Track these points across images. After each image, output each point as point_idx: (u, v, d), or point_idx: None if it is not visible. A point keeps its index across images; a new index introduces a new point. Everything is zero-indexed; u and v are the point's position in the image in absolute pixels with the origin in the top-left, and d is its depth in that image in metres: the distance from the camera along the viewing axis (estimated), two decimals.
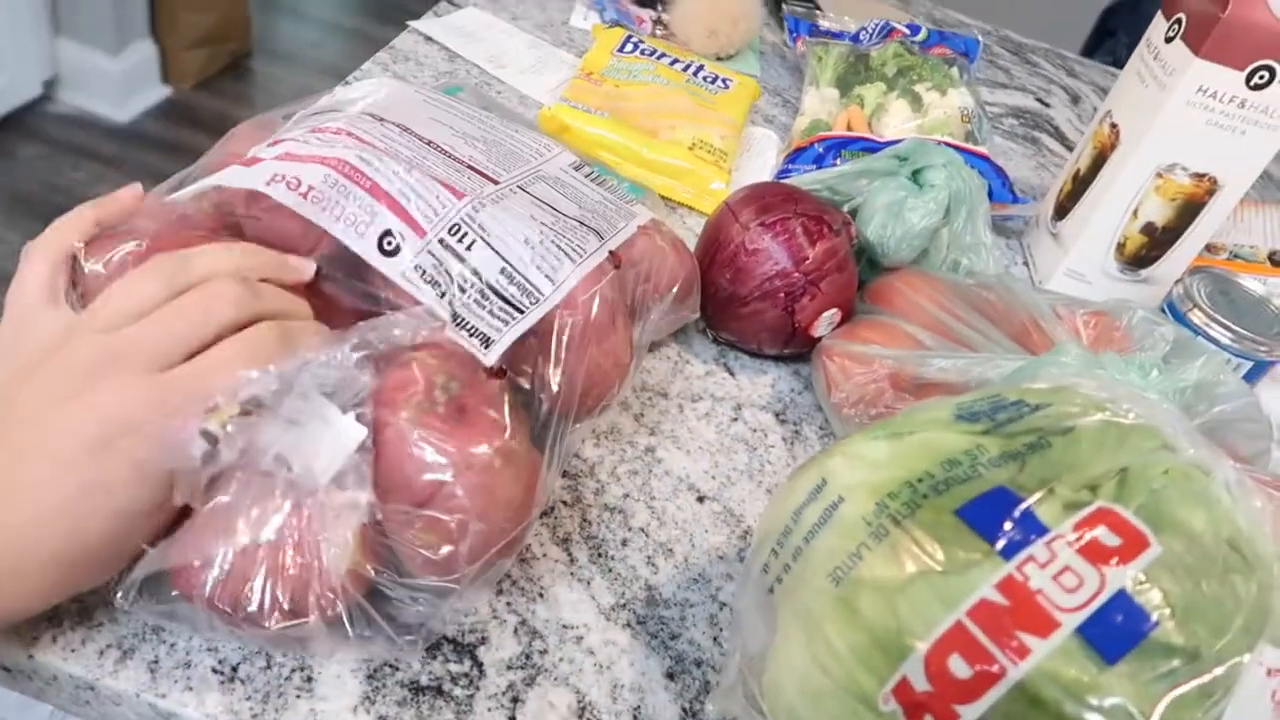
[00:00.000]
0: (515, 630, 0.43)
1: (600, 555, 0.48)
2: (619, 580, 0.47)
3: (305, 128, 0.46)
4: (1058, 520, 0.34)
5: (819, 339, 0.58)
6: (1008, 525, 0.34)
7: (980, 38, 0.95)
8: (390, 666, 0.40)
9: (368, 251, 0.42)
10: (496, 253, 0.44)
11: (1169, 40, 0.66)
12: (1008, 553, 0.33)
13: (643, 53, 0.80)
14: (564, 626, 0.44)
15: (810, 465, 0.40)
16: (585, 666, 0.43)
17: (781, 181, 0.63)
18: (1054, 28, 1.49)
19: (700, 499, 0.52)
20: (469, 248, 0.43)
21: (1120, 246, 0.71)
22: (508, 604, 0.44)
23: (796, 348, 0.59)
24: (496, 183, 0.47)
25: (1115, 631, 0.31)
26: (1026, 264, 0.79)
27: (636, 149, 0.70)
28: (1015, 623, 0.32)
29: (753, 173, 0.77)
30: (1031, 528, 0.34)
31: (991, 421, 0.38)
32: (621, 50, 0.79)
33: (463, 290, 0.43)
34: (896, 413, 0.48)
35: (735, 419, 0.57)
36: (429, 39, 0.82)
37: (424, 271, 0.42)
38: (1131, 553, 0.33)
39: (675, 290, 0.53)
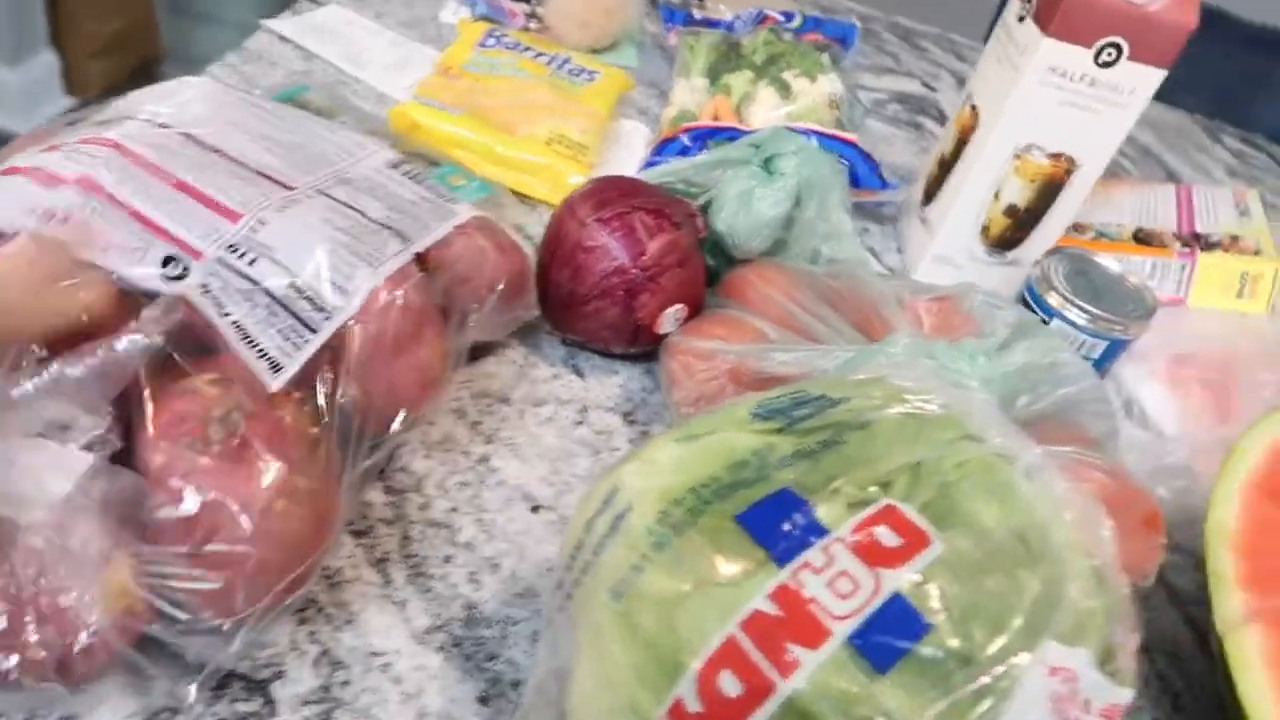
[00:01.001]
0: (316, 661, 0.41)
1: (419, 574, 0.45)
2: (437, 600, 0.45)
3: (77, 137, 0.43)
4: (839, 521, 0.32)
5: (665, 336, 0.57)
6: (786, 529, 0.32)
7: (859, 24, 0.94)
8: (170, 711, 0.38)
9: (148, 279, 0.39)
10: (283, 266, 0.41)
11: (1021, 20, 0.65)
12: (783, 559, 0.31)
13: (505, 46, 0.77)
14: (371, 654, 0.42)
15: (609, 473, 0.38)
16: (390, 696, 0.40)
17: (627, 175, 0.61)
18: (957, 15, 1.49)
19: (534, 509, 0.50)
20: (252, 264, 0.41)
21: (985, 229, 0.71)
22: (310, 633, 0.42)
23: (644, 345, 0.57)
24: (291, 189, 0.44)
25: (887, 639, 0.30)
26: (900, 250, 0.78)
27: (491, 145, 0.68)
28: (787, 634, 0.30)
29: (619, 166, 0.75)
30: (811, 530, 0.32)
31: (786, 419, 0.36)
32: (483, 45, 0.77)
33: (251, 308, 0.40)
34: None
35: (580, 422, 0.55)
36: (284, 39, 0.79)
37: (209, 291, 0.40)
38: (911, 552, 0.31)
39: (500, 290, 0.51)
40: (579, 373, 0.58)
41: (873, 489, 0.33)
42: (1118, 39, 0.61)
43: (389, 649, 0.42)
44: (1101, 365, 0.62)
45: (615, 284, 0.55)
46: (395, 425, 0.44)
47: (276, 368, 0.39)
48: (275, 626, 0.40)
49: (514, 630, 0.44)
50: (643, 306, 0.56)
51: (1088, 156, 0.66)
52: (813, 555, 0.31)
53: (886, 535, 0.32)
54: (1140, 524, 0.45)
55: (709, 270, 0.62)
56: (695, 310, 0.58)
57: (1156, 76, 0.63)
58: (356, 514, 0.47)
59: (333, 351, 0.41)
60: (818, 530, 0.32)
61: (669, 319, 0.56)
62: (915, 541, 0.32)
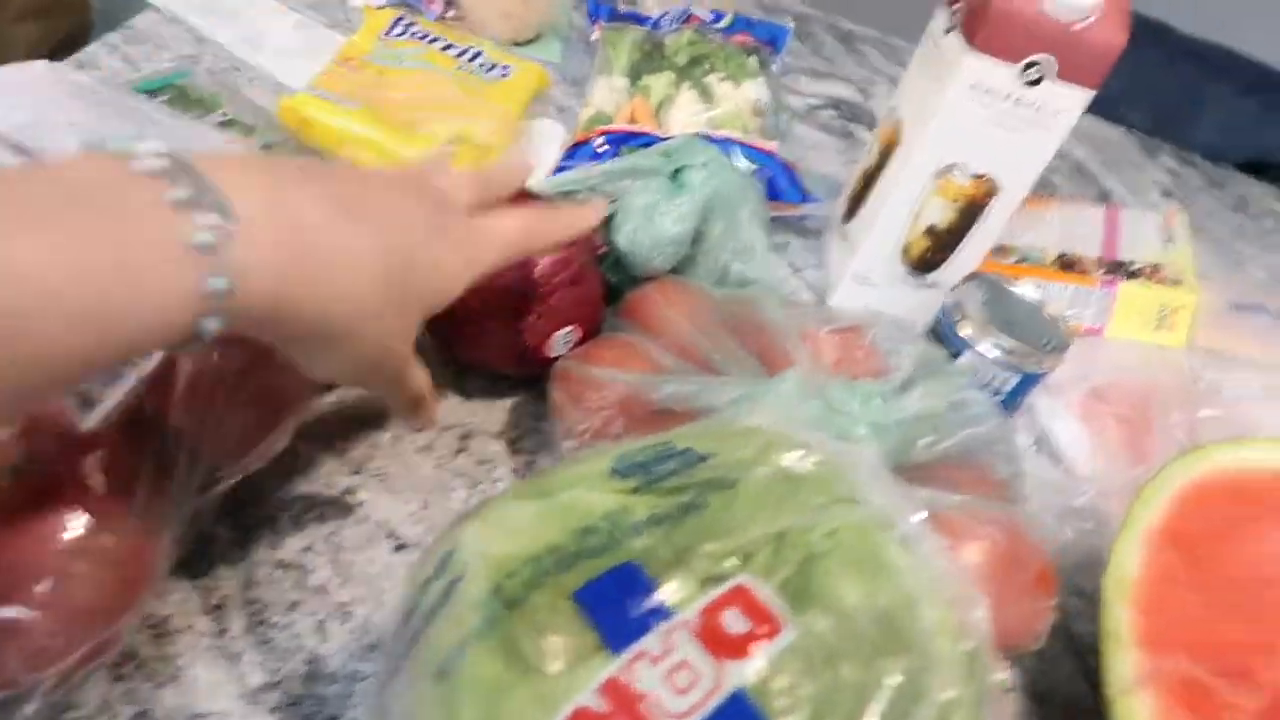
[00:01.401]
0: None
1: (260, 623, 0.41)
2: (276, 653, 0.41)
3: None
4: (686, 603, 0.29)
5: (556, 359, 0.53)
6: (626, 610, 0.29)
7: (792, 25, 0.90)
8: None
9: None
10: None
11: (947, 32, 0.62)
12: (618, 645, 0.28)
13: (414, 36, 0.73)
14: (194, 715, 0.38)
15: (450, 529, 0.34)
16: None
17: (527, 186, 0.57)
18: (900, 17, 1.46)
19: (399, 548, 0.46)
20: None
21: (905, 250, 0.68)
22: (126, 691, 0.38)
23: (533, 369, 0.54)
24: None
25: None
26: (822, 267, 0.75)
27: (388, 144, 0.64)
28: None
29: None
30: (653, 612, 0.29)
31: (645, 477, 0.33)
32: (390, 33, 0.73)
33: None
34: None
35: (461, 450, 0.52)
36: (175, 18, 0.74)
37: None
38: (760, 639, 0.28)
39: None
40: (465, 395, 0.55)
41: (730, 563, 0.30)
42: (1045, 57, 0.58)
43: (214, 710, 0.38)
44: (1014, 399, 0.60)
45: (501, 304, 0.51)
46: (238, 460, 0.40)
47: (88, 404, 0.35)
48: (78, 691, 0.36)
49: (360, 688, 0.40)
50: (530, 328, 0.52)
51: (1011, 179, 0.64)
52: (651, 642, 0.28)
53: (735, 619, 0.29)
54: (1032, 583, 0.42)
55: (611, 287, 0.59)
56: (590, 332, 0.55)
57: (1084, 97, 0.60)
58: (194, 554, 0.43)
59: (157, 384, 0.37)
60: (660, 612, 0.29)
61: (559, 341, 0.53)
62: (766, 626, 0.29)
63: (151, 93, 0.56)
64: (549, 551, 0.31)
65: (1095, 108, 1.25)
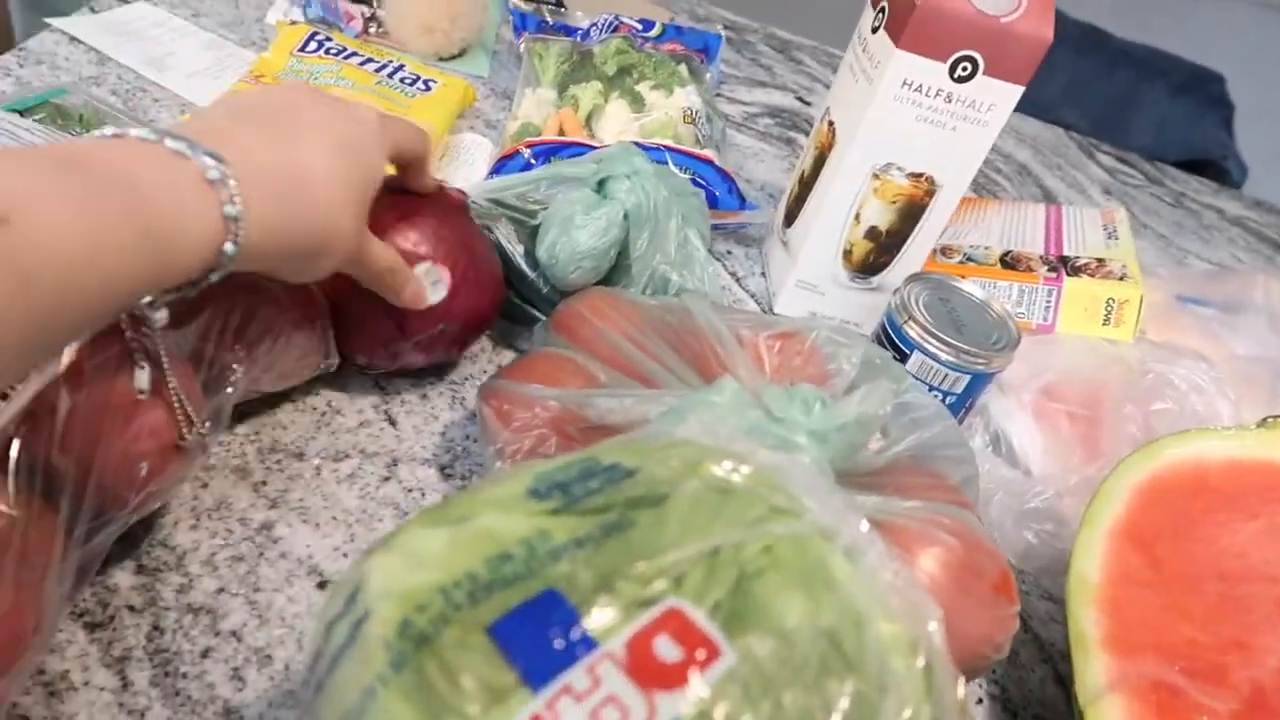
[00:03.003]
0: None
1: (167, 674, 0.38)
2: (187, 706, 0.37)
3: None
4: (613, 631, 0.26)
5: (437, 308, 0.49)
6: (546, 642, 0.26)
7: (724, 33, 0.89)
8: None
9: None
10: None
11: (875, 31, 0.61)
12: (538, 682, 0.25)
13: (328, 52, 0.70)
14: None
15: (358, 562, 0.31)
16: None
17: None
18: (837, 26, 1.47)
19: (321, 584, 0.43)
20: None
21: (847, 253, 0.66)
22: None
23: (422, 333, 0.49)
24: None
25: None
26: (764, 274, 0.73)
27: None
28: None
29: (459, 183, 0.69)
30: (576, 644, 0.26)
31: (565, 497, 0.31)
32: (304, 49, 0.70)
33: None
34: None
35: (388, 478, 0.49)
36: (75, 39, 0.70)
37: None
38: (695, 667, 0.26)
39: (278, 336, 0.44)
40: (392, 420, 0.52)
41: (660, 585, 0.28)
42: (973, 52, 0.57)
43: None
44: (966, 399, 0.59)
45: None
46: (129, 501, 0.37)
47: None
48: None
49: None
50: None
51: (949, 176, 0.63)
52: (575, 676, 0.25)
53: (667, 647, 0.26)
54: (990, 590, 0.40)
55: (543, 296, 0.57)
56: (470, 274, 0.50)
57: (1014, 92, 0.59)
58: (94, 603, 0.39)
59: (33, 419, 0.33)
60: (584, 643, 0.26)
61: (425, 285, 0.48)
62: (701, 653, 0.26)
63: (24, 111, 0.53)
64: (461, 582, 0.28)
65: (1035, 111, 1.26)
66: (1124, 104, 1.62)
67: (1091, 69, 1.64)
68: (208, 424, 0.39)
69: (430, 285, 0.49)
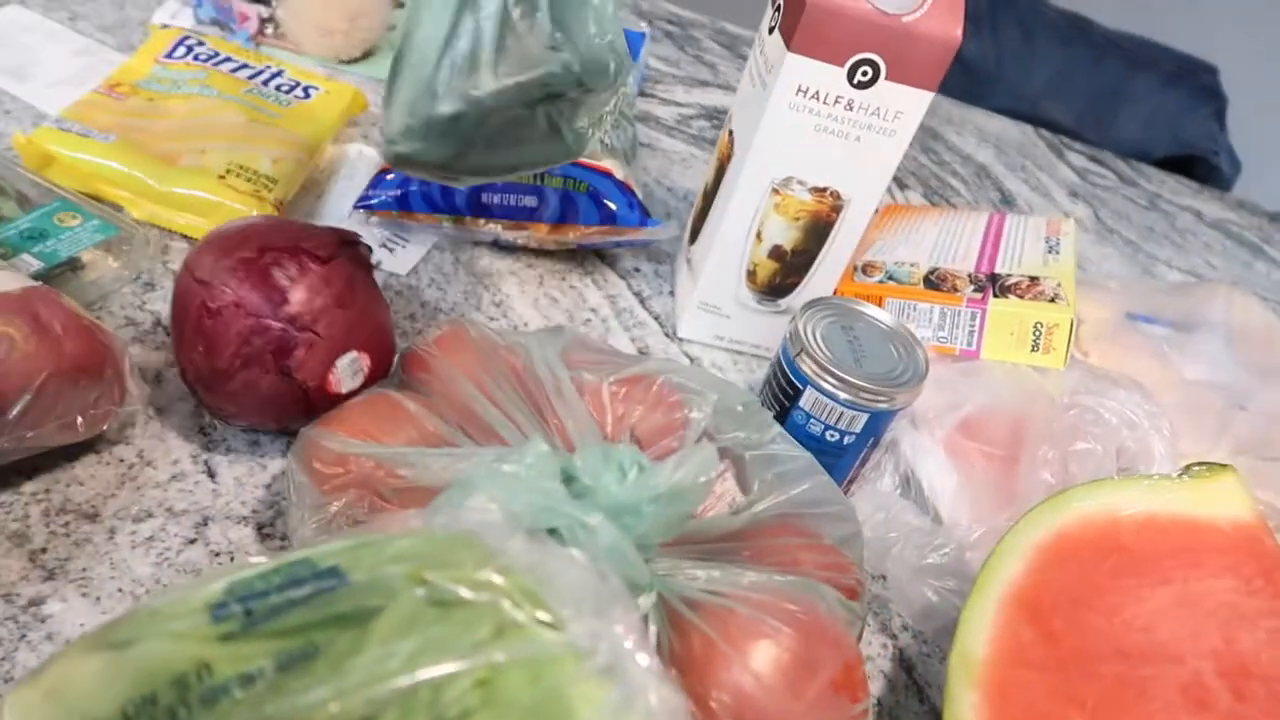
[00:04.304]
0: None
1: None
2: None
3: None
4: None
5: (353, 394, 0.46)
6: None
7: (650, 30, 0.83)
8: None
9: None
10: None
11: (771, 30, 0.55)
12: None
13: (197, 58, 0.65)
14: None
15: (8, 694, 0.26)
16: None
17: (262, 215, 0.50)
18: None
19: None
20: None
21: (751, 274, 0.61)
22: None
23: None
24: None
25: None
26: (672, 293, 0.68)
27: (146, 180, 0.56)
28: None
29: (335, 200, 0.64)
30: None
31: (246, 616, 0.25)
32: (170, 55, 0.65)
33: None
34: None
35: (194, 540, 0.44)
36: None
37: None
38: None
39: (41, 389, 0.39)
40: (211, 473, 0.47)
41: None
42: (872, 55, 0.51)
43: None
44: (867, 438, 0.53)
45: (258, 346, 0.43)
46: None
47: None
48: None
49: None
50: (302, 366, 0.44)
51: (856, 190, 0.57)
52: None
53: None
54: (828, 689, 0.35)
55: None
56: (383, 356, 0.48)
57: (923, 99, 0.53)
58: None
59: None
60: None
61: (345, 373, 0.45)
62: None
63: None
64: None
65: (1011, 108, 1.19)
66: (1111, 96, 1.55)
67: (1077, 60, 1.57)
68: None
69: (350, 375, 0.46)
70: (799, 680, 0.34)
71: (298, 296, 0.44)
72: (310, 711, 0.23)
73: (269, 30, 0.78)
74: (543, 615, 0.26)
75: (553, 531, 0.33)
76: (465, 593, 0.26)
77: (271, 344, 0.44)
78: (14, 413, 0.38)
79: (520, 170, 0.50)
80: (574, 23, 0.43)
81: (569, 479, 0.35)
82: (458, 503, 0.33)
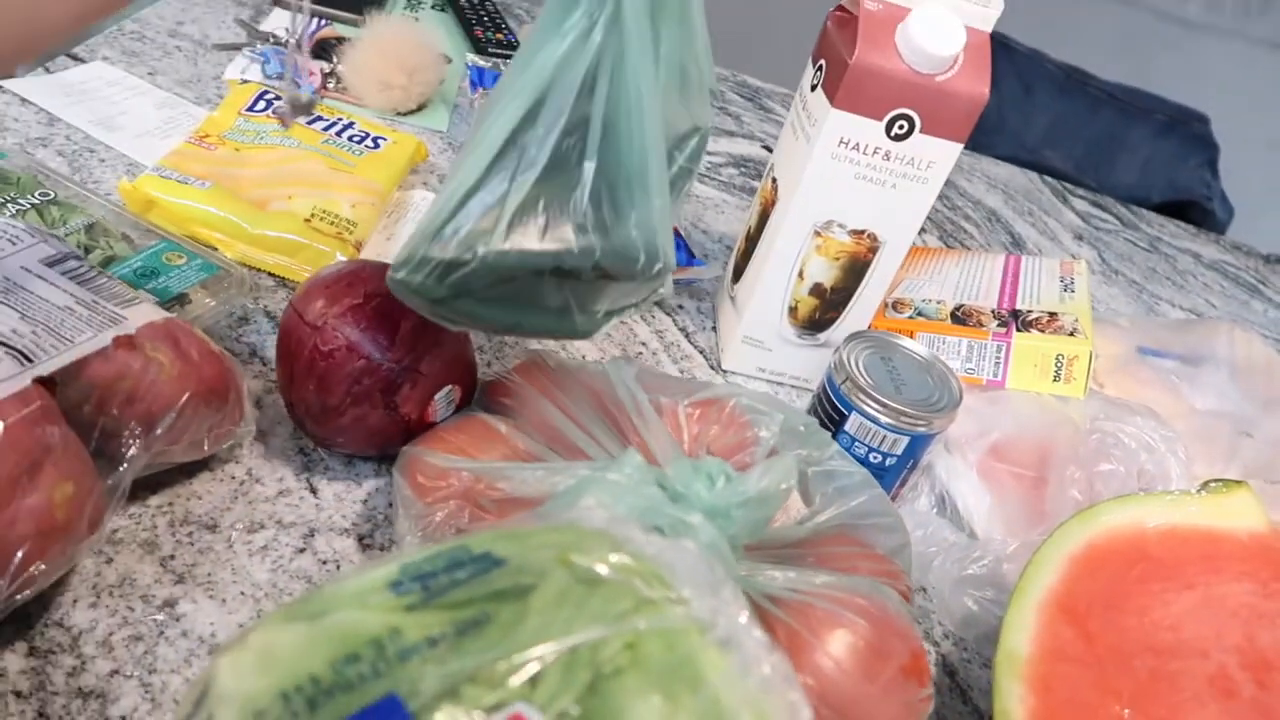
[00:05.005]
0: None
1: None
2: None
3: None
4: None
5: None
6: None
7: None
8: None
9: None
10: None
11: (813, 88, 0.61)
12: None
13: (275, 112, 0.70)
14: None
15: (215, 656, 0.30)
16: None
17: (357, 259, 0.54)
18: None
19: None
20: None
21: (793, 310, 0.66)
22: None
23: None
24: None
25: None
26: (715, 329, 0.72)
27: (239, 223, 0.61)
28: None
29: (402, 242, 0.69)
30: None
31: (424, 591, 0.30)
32: (252, 109, 0.70)
33: None
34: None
35: (303, 549, 0.48)
36: (26, 100, 0.71)
37: None
38: None
39: (181, 409, 0.43)
40: (313, 489, 0.51)
41: (509, 689, 0.27)
42: (908, 111, 0.57)
43: None
44: (907, 460, 0.58)
45: (368, 386, 0.48)
46: (5, 585, 0.36)
47: None
48: None
49: None
50: (407, 401, 0.49)
51: (891, 233, 0.62)
52: None
53: None
54: (899, 674, 0.39)
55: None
56: (470, 387, 0.52)
57: (953, 150, 0.59)
58: None
59: None
60: None
61: (441, 406, 0.50)
62: None
63: None
64: (302, 686, 0.27)
65: (1017, 153, 1.26)
66: (1108, 144, 1.62)
67: (1074, 110, 1.64)
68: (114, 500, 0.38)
69: (445, 406, 0.51)
70: (873, 666, 0.38)
71: (403, 336, 0.48)
72: (485, 668, 0.27)
73: (331, 85, 0.83)
74: (670, 594, 0.31)
75: (657, 530, 0.37)
76: (605, 571, 0.30)
77: (380, 383, 0.48)
78: (160, 429, 0.42)
79: (518, 333, 0.51)
80: (621, 204, 0.42)
81: (662, 488, 0.40)
82: (566, 508, 0.38)
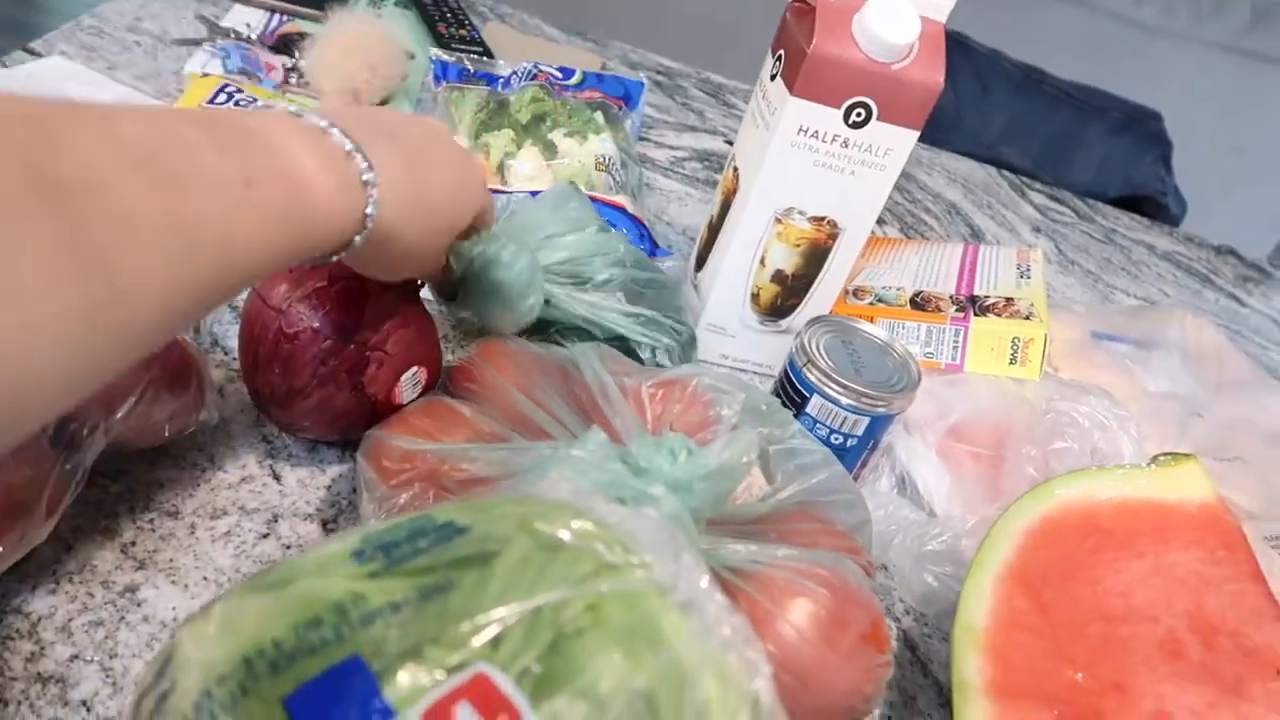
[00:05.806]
0: None
1: None
2: None
3: None
4: (411, 700, 0.26)
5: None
6: (342, 715, 0.25)
7: (648, 79, 0.90)
8: None
9: None
10: None
11: (773, 78, 0.61)
12: None
13: (238, 103, 0.70)
14: None
15: (177, 628, 0.30)
16: None
17: None
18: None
19: None
20: None
21: (755, 297, 0.67)
22: None
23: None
24: None
25: None
26: None
27: None
28: None
29: None
30: (372, 715, 0.25)
31: (387, 559, 0.30)
32: (212, 101, 0.70)
33: None
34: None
35: (267, 535, 0.48)
36: None
37: None
38: None
39: (141, 393, 0.43)
40: (276, 476, 0.51)
41: (471, 649, 0.27)
42: (866, 99, 0.58)
43: None
44: (868, 441, 0.58)
45: (334, 367, 0.48)
46: None
47: None
48: None
49: None
50: (374, 382, 0.49)
51: (850, 220, 0.63)
52: None
53: (467, 714, 0.25)
54: (858, 641, 0.40)
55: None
56: (436, 371, 0.52)
57: (910, 137, 0.60)
58: None
59: None
60: (381, 712, 0.25)
61: (407, 387, 0.50)
62: (503, 719, 0.25)
63: None
64: (265, 650, 0.27)
65: (975, 150, 1.27)
66: (1064, 142, 1.65)
67: (1031, 108, 1.67)
68: (73, 485, 0.38)
69: (411, 388, 0.51)
70: (834, 633, 0.39)
71: (369, 318, 0.49)
72: (448, 630, 0.27)
73: (293, 79, 0.83)
74: (631, 558, 0.31)
75: (620, 502, 0.37)
76: (567, 537, 0.31)
77: (346, 363, 0.48)
78: (120, 414, 0.42)
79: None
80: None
81: (625, 464, 0.40)
82: (531, 483, 0.38)
